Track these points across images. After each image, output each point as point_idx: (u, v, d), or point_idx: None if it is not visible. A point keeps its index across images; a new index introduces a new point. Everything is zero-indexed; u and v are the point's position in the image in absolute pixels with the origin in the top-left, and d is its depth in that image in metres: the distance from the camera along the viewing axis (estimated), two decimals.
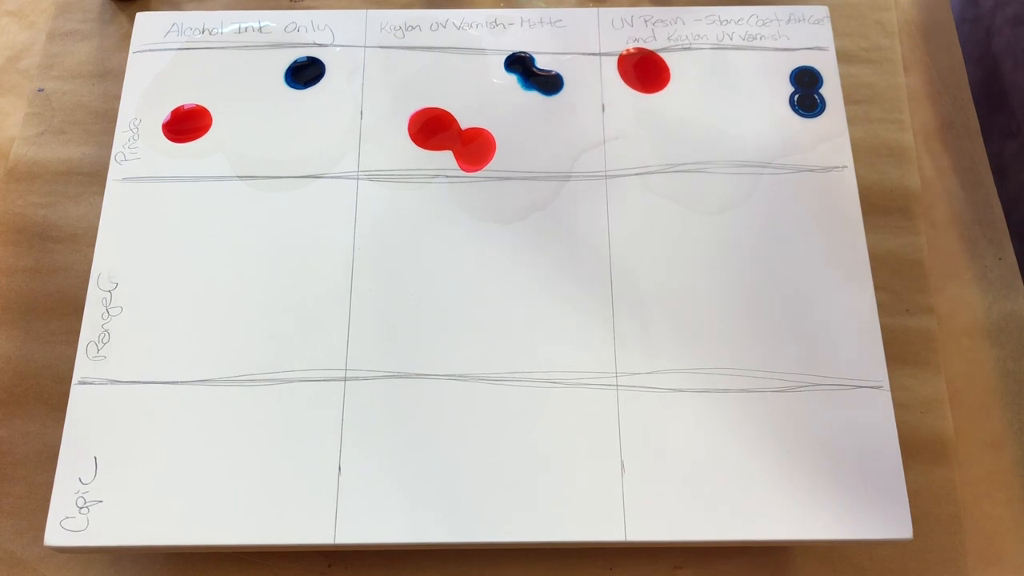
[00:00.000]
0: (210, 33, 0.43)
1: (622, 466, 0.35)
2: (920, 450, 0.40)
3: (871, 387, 0.36)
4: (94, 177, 0.46)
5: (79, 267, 0.44)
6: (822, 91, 0.42)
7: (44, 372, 0.42)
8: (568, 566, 0.38)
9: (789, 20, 0.43)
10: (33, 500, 0.39)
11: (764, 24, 0.43)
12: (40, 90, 0.48)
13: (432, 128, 0.41)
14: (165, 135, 0.41)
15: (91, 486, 0.34)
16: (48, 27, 0.50)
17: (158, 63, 0.42)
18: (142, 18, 0.43)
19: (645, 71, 0.42)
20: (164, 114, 0.41)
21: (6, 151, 0.47)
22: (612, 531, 0.34)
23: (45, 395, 0.41)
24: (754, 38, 0.43)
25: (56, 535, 0.34)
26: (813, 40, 0.43)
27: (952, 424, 0.41)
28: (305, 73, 0.42)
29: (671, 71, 0.42)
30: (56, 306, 0.43)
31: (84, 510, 0.34)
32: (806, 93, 0.42)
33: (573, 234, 0.39)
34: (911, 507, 0.34)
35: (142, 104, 0.41)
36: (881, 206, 0.45)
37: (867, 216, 0.40)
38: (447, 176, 0.40)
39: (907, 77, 0.49)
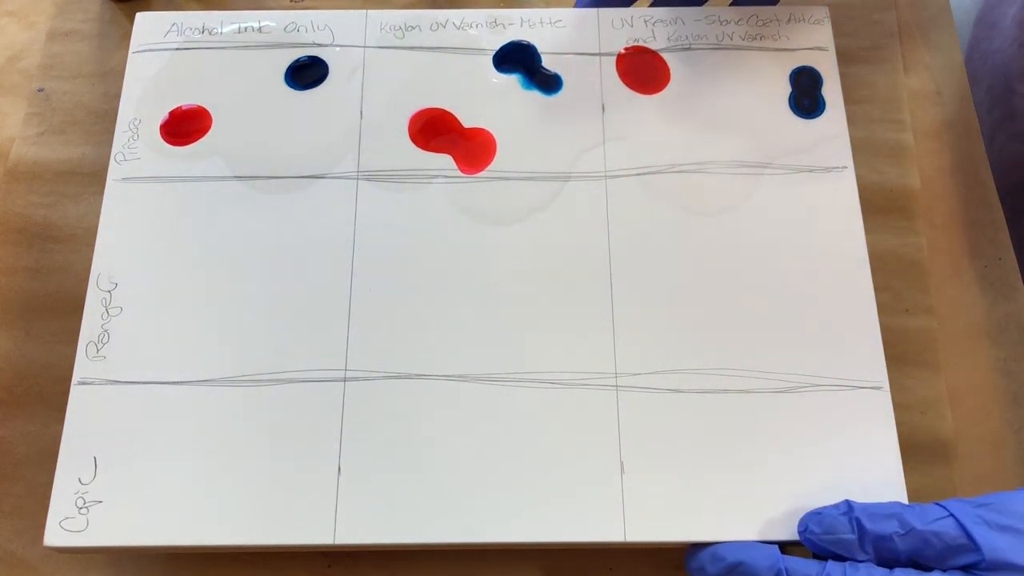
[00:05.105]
0: (210, 33, 0.43)
1: (622, 466, 0.35)
2: (920, 450, 0.40)
3: (871, 387, 0.36)
4: (94, 177, 0.45)
5: (79, 267, 0.44)
6: (822, 91, 0.42)
7: (44, 372, 0.42)
8: (568, 566, 0.38)
9: (789, 20, 0.43)
10: (33, 500, 0.39)
11: (764, 24, 0.43)
12: (40, 90, 0.48)
13: (432, 129, 0.41)
14: (163, 138, 0.41)
15: (91, 486, 0.34)
16: (48, 27, 0.50)
17: (158, 63, 0.42)
18: (142, 18, 0.43)
19: (645, 71, 0.42)
20: (164, 114, 0.41)
21: (6, 151, 0.47)
22: (612, 531, 0.34)
23: (45, 395, 0.41)
24: (754, 38, 0.43)
25: (56, 535, 0.34)
26: (813, 40, 0.43)
27: (952, 424, 0.41)
28: (305, 74, 0.42)
29: (671, 71, 0.42)
30: (56, 306, 0.43)
31: (84, 510, 0.34)
32: (806, 93, 0.42)
33: (573, 234, 0.39)
34: None
35: (142, 104, 0.41)
36: (881, 206, 0.45)
37: (867, 216, 0.40)
38: (447, 177, 0.40)
39: (907, 77, 0.49)
